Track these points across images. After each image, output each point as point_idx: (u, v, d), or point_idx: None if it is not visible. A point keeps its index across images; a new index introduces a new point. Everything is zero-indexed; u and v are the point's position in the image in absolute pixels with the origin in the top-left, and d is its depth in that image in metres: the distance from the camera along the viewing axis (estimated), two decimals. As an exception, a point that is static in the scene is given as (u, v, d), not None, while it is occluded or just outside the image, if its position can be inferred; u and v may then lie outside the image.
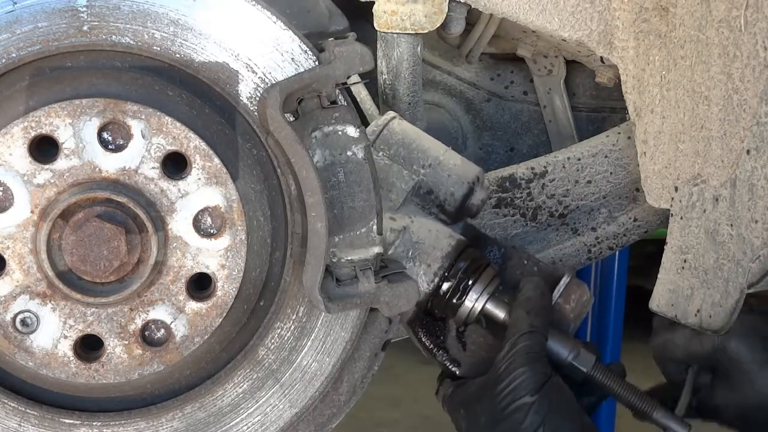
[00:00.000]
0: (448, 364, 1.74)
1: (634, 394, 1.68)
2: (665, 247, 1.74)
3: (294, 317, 1.58)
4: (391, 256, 1.65)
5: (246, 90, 1.50)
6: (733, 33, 1.51)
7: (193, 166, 1.47)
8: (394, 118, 1.76)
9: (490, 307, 1.70)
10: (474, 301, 1.69)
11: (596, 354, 1.69)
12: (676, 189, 1.70)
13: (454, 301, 1.69)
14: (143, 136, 1.45)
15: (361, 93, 2.09)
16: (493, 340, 1.70)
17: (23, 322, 1.47)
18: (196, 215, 1.48)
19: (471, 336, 1.74)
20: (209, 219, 1.49)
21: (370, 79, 1.97)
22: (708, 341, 1.79)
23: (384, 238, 1.53)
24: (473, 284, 1.69)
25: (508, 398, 1.55)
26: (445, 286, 1.69)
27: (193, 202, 1.48)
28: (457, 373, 1.73)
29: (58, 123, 1.43)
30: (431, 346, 1.75)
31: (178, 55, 1.48)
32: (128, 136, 1.46)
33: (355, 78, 1.86)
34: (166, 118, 1.46)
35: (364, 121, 1.85)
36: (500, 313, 1.69)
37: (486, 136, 2.39)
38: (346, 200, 1.50)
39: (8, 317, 1.46)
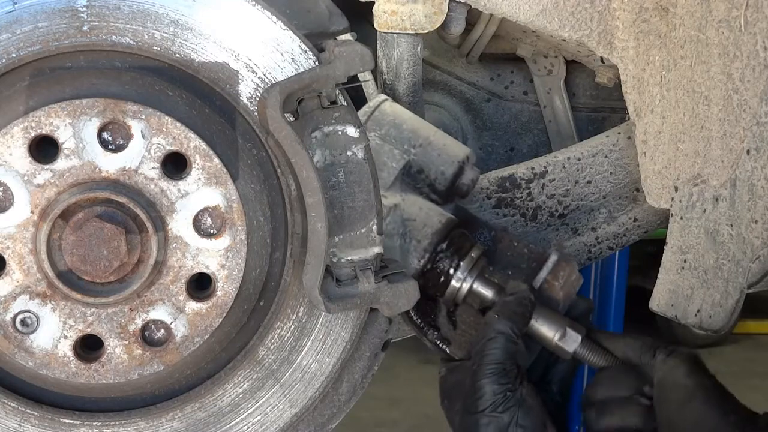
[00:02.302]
0: (438, 342, 1.75)
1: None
2: (665, 247, 1.74)
3: (294, 317, 1.58)
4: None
5: (246, 90, 1.50)
6: (733, 33, 1.51)
7: (193, 166, 1.47)
8: (386, 100, 1.78)
9: (477, 287, 1.70)
10: (461, 280, 1.70)
11: (584, 331, 1.68)
12: (676, 189, 1.70)
13: (442, 278, 1.69)
14: (143, 136, 1.45)
15: (367, 75, 2.09)
16: (483, 320, 1.71)
17: (23, 322, 1.47)
18: (196, 215, 1.48)
19: (461, 315, 1.75)
20: (209, 219, 1.49)
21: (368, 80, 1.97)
22: None
23: (384, 238, 1.54)
24: (459, 263, 1.69)
25: (474, 409, 1.57)
26: (435, 263, 1.69)
27: (193, 202, 1.48)
28: (447, 351, 1.74)
29: (58, 123, 1.43)
30: (421, 324, 1.75)
31: (178, 55, 1.48)
32: (128, 136, 1.45)
33: (366, 75, 1.86)
34: (166, 118, 1.46)
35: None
36: (488, 293, 1.70)
37: (486, 136, 2.38)
38: (346, 200, 1.50)
39: (8, 317, 1.46)
